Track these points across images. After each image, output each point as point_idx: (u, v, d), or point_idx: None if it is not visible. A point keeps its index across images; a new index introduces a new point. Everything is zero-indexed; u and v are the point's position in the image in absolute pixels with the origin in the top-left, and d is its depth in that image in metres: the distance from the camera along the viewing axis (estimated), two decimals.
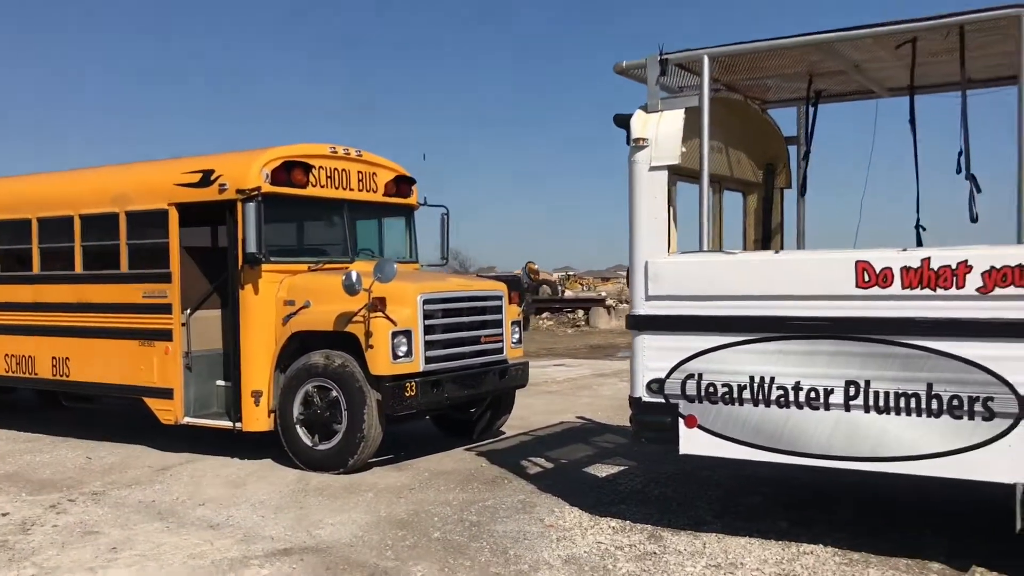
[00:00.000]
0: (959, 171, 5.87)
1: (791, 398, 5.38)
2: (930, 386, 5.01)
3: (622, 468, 7.91)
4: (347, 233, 9.23)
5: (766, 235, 7.73)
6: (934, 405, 5.00)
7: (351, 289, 7.60)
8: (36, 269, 9.83)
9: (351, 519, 6.39)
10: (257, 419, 8.29)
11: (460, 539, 5.90)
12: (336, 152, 9.10)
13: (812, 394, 5.32)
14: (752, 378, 5.49)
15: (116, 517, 6.52)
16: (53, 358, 9.65)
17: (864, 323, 5.16)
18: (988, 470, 4.89)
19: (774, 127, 7.51)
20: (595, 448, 8.83)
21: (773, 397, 5.43)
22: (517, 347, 9.16)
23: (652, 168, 5.81)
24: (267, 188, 8.26)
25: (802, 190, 7.39)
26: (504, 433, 9.63)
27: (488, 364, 8.73)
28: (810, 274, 5.35)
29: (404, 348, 7.83)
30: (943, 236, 6.65)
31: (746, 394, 5.51)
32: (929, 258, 5.01)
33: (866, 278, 5.14)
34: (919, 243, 6.46)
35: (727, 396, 5.57)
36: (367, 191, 9.42)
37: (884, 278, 5.10)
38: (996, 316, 4.83)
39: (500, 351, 8.92)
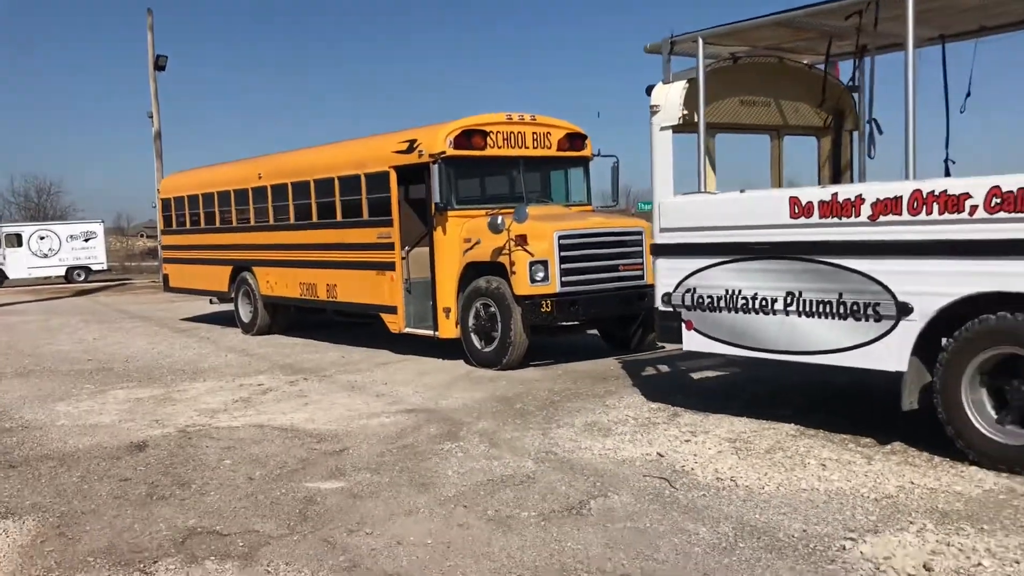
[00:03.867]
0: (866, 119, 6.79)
1: (751, 306, 6.88)
2: (840, 295, 6.30)
3: (711, 374, 9.49)
4: (523, 183, 11.52)
5: (836, 173, 8.83)
6: (843, 310, 6.30)
7: (495, 228, 9.93)
8: (314, 218, 13.24)
9: (471, 396, 8.80)
10: (448, 328, 10.95)
11: (531, 409, 8.08)
12: (511, 119, 11.38)
13: (764, 302, 6.78)
14: (726, 291, 7.04)
15: (324, 388, 9.52)
16: (327, 284, 13.03)
17: (796, 246, 6.53)
18: (880, 361, 6.14)
19: (831, 80, 8.56)
20: (707, 360, 10.35)
21: (739, 305, 6.95)
22: None
23: (661, 128, 7.45)
24: (450, 152, 10.77)
25: (870, 143, 8.17)
26: (661, 347, 11.40)
27: (626, 288, 10.61)
28: (760, 208, 6.78)
29: (541, 274, 10.02)
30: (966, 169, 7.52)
31: (722, 303, 7.07)
32: (836, 192, 6.28)
33: (796, 210, 6.50)
34: (947, 174, 7.47)
35: (711, 305, 7.17)
36: (541, 148, 11.61)
37: (808, 210, 6.44)
38: (880, 238, 6.03)
39: (640, 277, 10.72)
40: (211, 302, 17.12)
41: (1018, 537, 4.51)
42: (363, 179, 12.04)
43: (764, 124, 8.37)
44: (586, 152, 12.03)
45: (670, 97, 7.40)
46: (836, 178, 8.81)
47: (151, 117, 30.03)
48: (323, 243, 12.94)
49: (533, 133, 11.56)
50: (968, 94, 7.37)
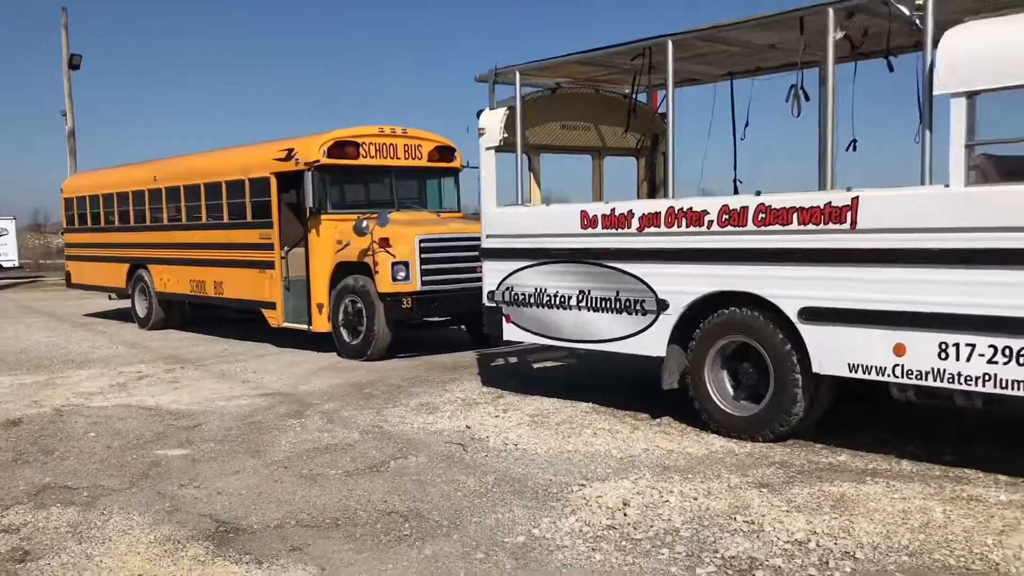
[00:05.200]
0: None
1: (553, 302, 8.06)
2: (617, 293, 7.52)
3: (549, 364, 10.69)
4: (395, 191, 12.59)
5: (653, 190, 10.10)
6: (619, 306, 7.52)
7: (360, 231, 10.98)
8: (203, 219, 14.09)
9: (329, 383, 9.83)
10: (320, 323, 11.95)
11: (377, 393, 9.14)
12: (383, 131, 12.44)
13: (562, 299, 7.97)
14: (535, 289, 8.21)
15: (197, 376, 10.45)
16: (215, 281, 13.89)
17: (585, 252, 7.74)
18: (646, 348, 7.37)
19: (644, 108, 9.82)
20: (551, 352, 11.57)
21: (544, 301, 8.13)
22: None
23: (486, 148, 8.60)
24: (324, 160, 11.78)
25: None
26: (519, 343, 12.53)
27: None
28: (559, 220, 7.97)
29: (403, 274, 11.09)
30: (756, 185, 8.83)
31: (532, 300, 8.25)
32: (614, 208, 7.50)
33: (585, 222, 7.71)
34: (735, 192, 8.75)
35: (523, 301, 8.33)
36: (413, 159, 12.70)
37: (594, 222, 7.65)
38: (645, 246, 7.26)
39: None
40: (110, 298, 17.82)
41: (709, 483, 5.74)
42: (247, 184, 12.95)
43: (585, 146, 9.58)
44: (456, 163, 13.14)
45: (493, 122, 8.55)
46: (652, 194, 10.08)
47: (64, 115, 30.23)
48: (211, 243, 13.81)
49: (405, 145, 12.63)
50: (747, 124, 8.66)
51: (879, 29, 6.85)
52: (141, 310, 16.00)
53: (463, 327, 12.85)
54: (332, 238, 11.84)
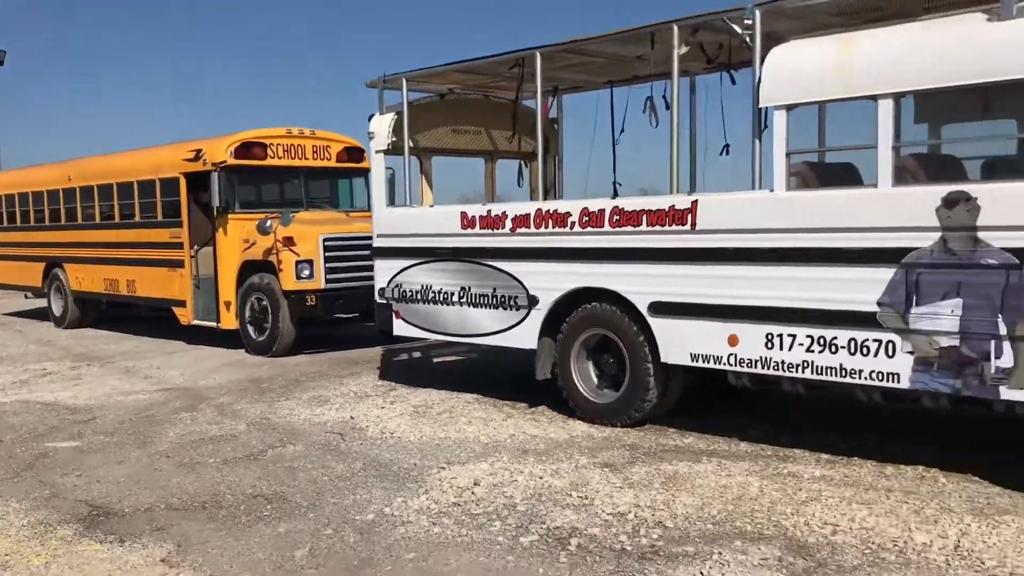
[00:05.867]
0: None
1: (438, 298, 8.49)
2: (495, 289, 7.97)
3: (450, 359, 11.13)
4: (303, 191, 12.90)
5: (545, 190, 10.56)
6: (496, 301, 7.97)
7: (263, 231, 11.29)
8: (116, 218, 14.24)
9: (229, 378, 10.13)
10: (228, 320, 12.22)
11: (274, 387, 9.48)
12: (291, 132, 12.75)
13: (445, 295, 8.40)
14: (422, 286, 8.62)
15: (101, 372, 10.67)
16: (128, 280, 14.05)
17: (466, 251, 8.17)
18: (520, 341, 7.84)
19: (533, 114, 10.27)
20: (456, 349, 11.99)
21: (430, 298, 8.56)
22: None
23: (376, 151, 8.99)
24: (231, 161, 12.04)
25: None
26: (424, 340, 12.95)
27: None
28: (442, 220, 8.40)
29: (307, 272, 11.42)
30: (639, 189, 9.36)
31: (419, 296, 8.66)
32: (490, 209, 7.96)
33: (464, 223, 8.15)
34: (615, 195, 9.24)
35: (412, 298, 8.74)
36: (321, 159, 13.02)
37: (473, 222, 8.09)
38: (518, 245, 7.73)
39: None
40: (26, 296, 17.82)
41: (559, 464, 6.22)
42: (158, 183, 13.14)
43: (476, 149, 10.02)
44: (365, 164, 13.46)
45: (381, 126, 8.94)
46: (545, 196, 10.53)
47: None
48: (123, 241, 13.97)
49: (313, 146, 12.95)
50: (622, 130, 9.18)
51: (728, 44, 7.40)
52: (57, 309, 16.05)
53: (372, 324, 13.19)
54: (239, 237, 12.11)
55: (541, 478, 5.91)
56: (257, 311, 11.77)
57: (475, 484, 5.82)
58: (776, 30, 6.52)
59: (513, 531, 4.99)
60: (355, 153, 13.32)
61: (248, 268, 12.03)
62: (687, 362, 6.71)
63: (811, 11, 6.40)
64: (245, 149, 12.21)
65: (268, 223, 11.31)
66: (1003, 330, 5.18)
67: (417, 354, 11.67)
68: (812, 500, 5.33)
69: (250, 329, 11.92)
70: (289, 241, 11.39)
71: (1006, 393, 5.22)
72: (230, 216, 12.07)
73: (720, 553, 4.55)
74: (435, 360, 11.10)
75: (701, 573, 4.32)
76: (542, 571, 4.44)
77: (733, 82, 7.93)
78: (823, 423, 7.14)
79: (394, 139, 8.90)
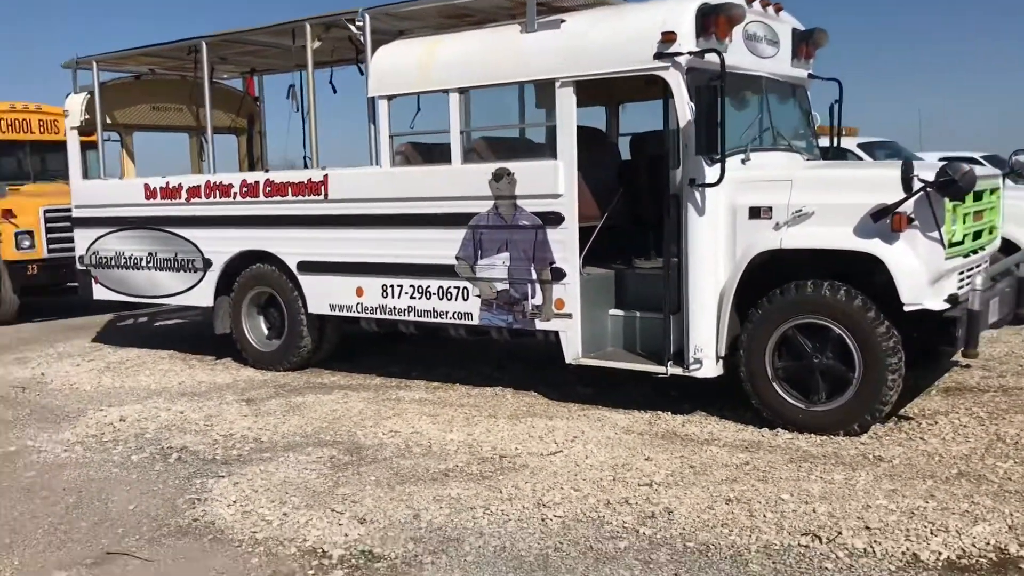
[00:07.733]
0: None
1: (130, 264, 9.28)
2: (176, 254, 8.87)
3: (171, 322, 11.89)
4: (30, 165, 13.21)
5: (252, 164, 11.49)
6: (178, 265, 8.87)
7: None
8: None
9: None
10: None
11: None
12: (15, 107, 13.01)
13: (136, 260, 9.21)
14: (116, 252, 9.38)
15: None
16: None
17: (150, 219, 9.01)
18: (199, 299, 8.79)
19: (238, 93, 11.16)
20: (179, 313, 12.74)
21: (123, 263, 9.33)
22: None
23: (71, 128, 9.64)
24: None
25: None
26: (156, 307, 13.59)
27: None
28: (129, 192, 9.18)
29: (27, 243, 11.85)
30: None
31: (114, 262, 9.42)
32: (169, 181, 8.83)
33: (147, 194, 8.98)
34: (305, 166, 10.21)
35: (107, 264, 9.48)
36: (49, 133, 13.34)
37: (155, 193, 8.93)
38: (193, 214, 8.65)
39: None
40: None
41: (206, 402, 7.25)
42: None
43: (179, 125, 10.79)
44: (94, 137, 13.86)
45: (74, 105, 9.61)
46: (252, 168, 11.46)
47: None
48: None
49: (40, 120, 13.26)
50: (297, 110, 10.12)
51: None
52: None
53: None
54: None
55: (182, 412, 6.94)
56: None
57: (121, 420, 6.78)
58: (405, 29, 7.73)
59: (131, 452, 6.00)
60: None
61: None
62: (328, 312, 7.89)
63: (424, 13, 7.62)
64: None
65: None
66: (534, 275, 6.64)
67: (144, 319, 12.34)
68: (395, 416, 6.62)
69: None
70: (8, 213, 11.77)
71: (540, 324, 6.70)
72: None
73: (288, 456, 5.75)
74: (156, 324, 11.84)
75: (261, 469, 5.50)
76: (136, 477, 5.50)
77: (361, 73, 9.10)
78: (462, 361, 8.49)
79: (87, 116, 9.57)
